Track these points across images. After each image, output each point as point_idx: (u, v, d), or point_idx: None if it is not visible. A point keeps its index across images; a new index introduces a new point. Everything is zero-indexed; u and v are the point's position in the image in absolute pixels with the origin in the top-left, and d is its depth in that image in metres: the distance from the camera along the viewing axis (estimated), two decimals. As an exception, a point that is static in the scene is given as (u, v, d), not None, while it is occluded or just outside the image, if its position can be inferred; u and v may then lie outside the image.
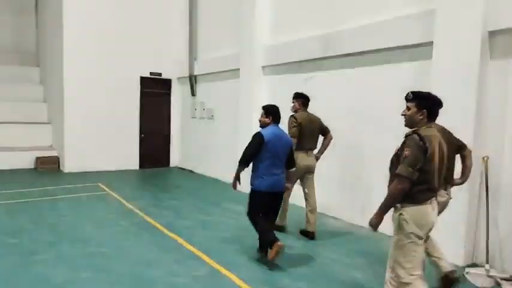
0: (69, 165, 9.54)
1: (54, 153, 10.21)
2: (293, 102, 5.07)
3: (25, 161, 9.94)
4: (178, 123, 11.02)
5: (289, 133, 4.57)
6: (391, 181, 2.68)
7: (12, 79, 11.82)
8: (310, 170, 4.98)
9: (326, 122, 5.15)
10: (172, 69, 10.71)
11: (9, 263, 3.96)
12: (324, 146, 5.10)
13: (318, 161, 5.10)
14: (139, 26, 10.09)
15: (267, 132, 4.00)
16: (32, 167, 9.96)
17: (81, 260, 4.08)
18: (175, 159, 11.07)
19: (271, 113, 4.12)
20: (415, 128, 2.64)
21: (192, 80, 10.09)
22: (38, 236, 4.82)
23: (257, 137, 3.96)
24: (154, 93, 10.63)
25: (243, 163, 4.02)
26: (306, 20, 6.68)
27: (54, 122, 10.80)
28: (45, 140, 10.79)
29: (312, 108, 5.12)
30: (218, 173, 9.09)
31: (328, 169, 5.80)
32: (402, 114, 2.73)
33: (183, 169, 10.63)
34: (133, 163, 10.37)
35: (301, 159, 4.77)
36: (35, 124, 10.96)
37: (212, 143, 9.40)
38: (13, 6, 13.51)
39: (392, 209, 2.69)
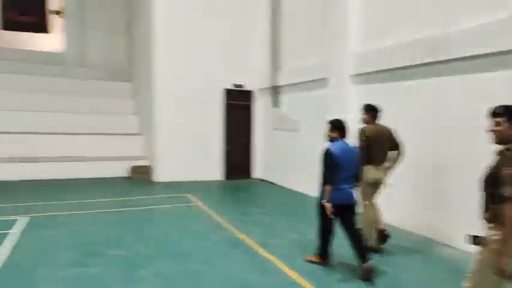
0: (159, 174, 9.98)
1: (146, 163, 10.79)
2: (363, 115, 4.91)
3: (121, 169, 10.64)
4: (261, 134, 10.97)
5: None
6: (489, 204, 2.41)
7: (106, 93, 12.91)
8: (378, 184, 4.78)
9: (429, 133, 4.60)
10: (254, 80, 10.73)
11: (116, 277, 4.05)
12: (393, 161, 4.84)
13: (387, 174, 4.85)
14: (223, 38, 10.32)
15: (335, 147, 4.07)
16: (127, 175, 10.61)
17: (177, 278, 4.04)
18: (258, 171, 11.02)
19: (338, 128, 4.19)
20: (510, 145, 2.42)
21: (275, 90, 9.97)
22: (137, 248, 4.94)
23: (328, 154, 4.05)
24: (238, 104, 10.72)
25: (329, 183, 4.03)
26: (403, 23, 6.12)
27: (145, 134, 11.44)
28: (138, 150, 11.47)
29: (411, 118, 4.59)
30: (303, 186, 8.77)
31: (428, 187, 5.16)
32: (491, 131, 2.52)
33: (266, 181, 10.51)
34: (218, 174, 10.53)
35: (370, 172, 4.67)
36: (128, 136, 11.73)
37: (297, 155, 9.13)
38: (106, 25, 14.77)
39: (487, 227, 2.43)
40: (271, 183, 10.18)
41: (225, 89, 10.51)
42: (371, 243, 4.69)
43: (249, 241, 5.29)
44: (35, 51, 14.45)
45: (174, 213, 6.90)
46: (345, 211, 4.10)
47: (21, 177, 9.52)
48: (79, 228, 5.76)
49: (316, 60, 8.27)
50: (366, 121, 4.88)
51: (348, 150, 4.12)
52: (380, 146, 4.74)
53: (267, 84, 10.24)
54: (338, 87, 7.36)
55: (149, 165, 10.65)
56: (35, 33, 15.13)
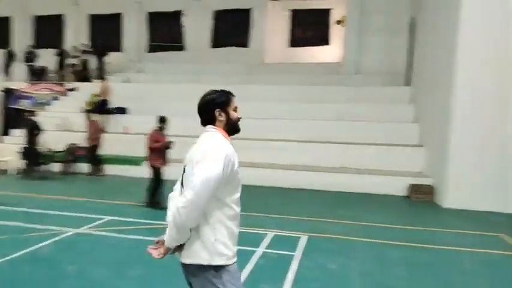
0: (449, 199, 7.82)
1: (428, 182, 8.81)
2: None
3: (396, 187, 9.04)
4: None
5: None
6: None
7: (381, 100, 11.79)
8: None
9: None
10: None
11: None
12: None
13: None
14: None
15: None
16: (404, 194, 8.93)
17: None
18: None
19: None
20: None
21: None
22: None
23: None
24: None
25: None
26: None
27: (428, 145, 9.48)
28: (418, 165, 9.63)
29: None
30: None
31: None
32: None
33: None
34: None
35: None
36: (407, 147, 10.06)
37: None
38: (386, 28, 13.66)
39: None
40: None
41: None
42: None
43: None
44: (316, 63, 15.10)
45: (494, 264, 4.73)
46: None
47: (297, 185, 9.42)
48: (366, 265, 4.59)
49: None
50: None
51: None
52: None
53: None
54: None
55: (433, 185, 8.62)
56: (317, 47, 15.86)
